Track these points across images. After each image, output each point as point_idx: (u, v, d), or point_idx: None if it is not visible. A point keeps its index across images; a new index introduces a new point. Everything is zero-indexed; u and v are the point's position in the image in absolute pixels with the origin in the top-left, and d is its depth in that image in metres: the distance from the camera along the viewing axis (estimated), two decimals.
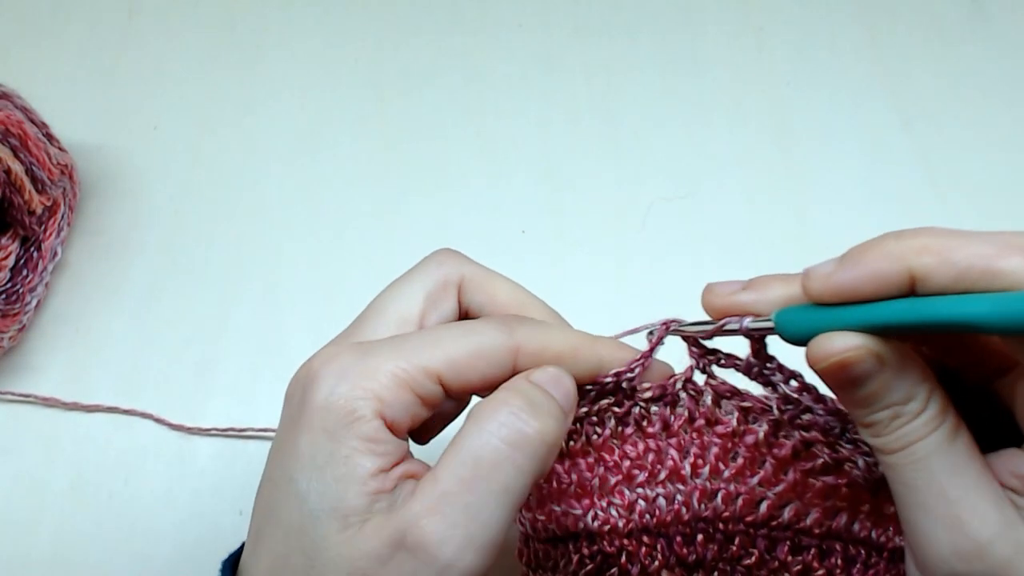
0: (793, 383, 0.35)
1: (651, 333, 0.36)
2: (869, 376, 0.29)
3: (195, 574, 0.53)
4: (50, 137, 0.62)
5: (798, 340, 0.31)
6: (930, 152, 0.69)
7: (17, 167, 0.56)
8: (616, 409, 0.36)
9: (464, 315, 0.37)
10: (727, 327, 0.33)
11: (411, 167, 0.68)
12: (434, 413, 0.32)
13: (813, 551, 0.35)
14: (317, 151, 0.69)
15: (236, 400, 0.58)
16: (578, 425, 0.36)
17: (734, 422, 0.36)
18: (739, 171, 0.68)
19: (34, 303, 0.59)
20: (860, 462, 0.34)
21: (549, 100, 0.71)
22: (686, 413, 0.36)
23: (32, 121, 0.60)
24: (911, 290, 0.28)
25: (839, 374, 0.29)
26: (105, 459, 0.56)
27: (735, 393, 0.36)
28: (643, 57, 0.74)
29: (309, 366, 0.31)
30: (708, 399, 0.36)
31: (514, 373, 0.32)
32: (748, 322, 0.33)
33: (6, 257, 0.57)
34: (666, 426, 0.36)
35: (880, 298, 0.29)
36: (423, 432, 0.35)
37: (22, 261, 0.59)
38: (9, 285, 0.58)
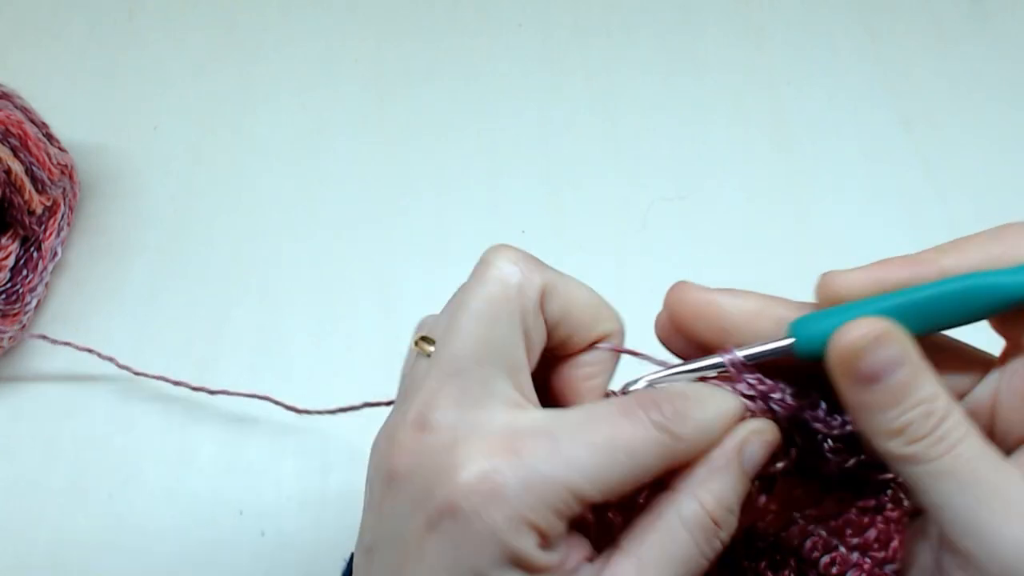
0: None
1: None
2: (895, 364, 0.27)
3: (195, 574, 0.53)
4: (50, 137, 0.62)
5: (815, 352, 0.29)
6: (930, 152, 0.69)
7: (17, 167, 0.56)
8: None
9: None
10: (747, 354, 0.31)
11: (411, 167, 0.68)
12: None
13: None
14: (317, 151, 0.69)
15: (236, 400, 0.58)
16: None
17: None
18: (739, 171, 0.68)
19: (34, 303, 0.59)
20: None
21: (549, 100, 0.71)
22: None
23: (32, 121, 0.60)
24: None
25: (864, 361, 0.27)
26: (105, 459, 0.56)
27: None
28: (643, 57, 0.74)
29: (455, 474, 0.28)
30: None
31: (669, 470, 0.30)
32: (747, 351, 0.31)
33: (6, 257, 0.57)
34: None
35: (909, 285, 0.29)
36: None
37: (22, 261, 0.59)
38: (9, 285, 0.58)
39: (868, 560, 0.33)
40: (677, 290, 0.33)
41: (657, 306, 0.61)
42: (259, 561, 0.53)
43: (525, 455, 0.28)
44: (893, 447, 0.28)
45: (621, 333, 0.35)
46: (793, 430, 0.32)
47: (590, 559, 0.30)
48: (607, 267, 0.64)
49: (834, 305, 0.30)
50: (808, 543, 0.34)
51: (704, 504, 0.30)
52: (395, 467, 0.29)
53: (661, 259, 0.64)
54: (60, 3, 0.76)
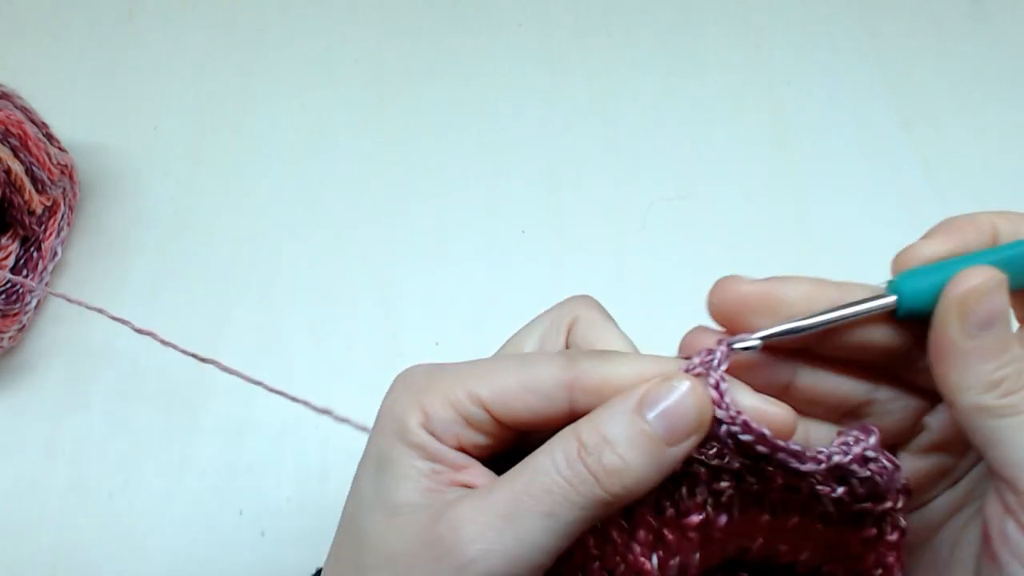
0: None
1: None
2: (1006, 314, 0.28)
3: (195, 574, 0.53)
4: (50, 137, 0.62)
5: (917, 308, 0.30)
6: (930, 152, 0.69)
7: (17, 167, 0.56)
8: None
9: None
10: (793, 326, 0.30)
11: (411, 167, 0.68)
12: (497, 441, 0.31)
13: None
14: (317, 151, 0.69)
15: (236, 400, 0.58)
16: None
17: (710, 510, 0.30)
18: (739, 171, 0.68)
19: (34, 303, 0.59)
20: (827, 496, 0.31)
21: (549, 100, 0.71)
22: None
23: (32, 121, 0.60)
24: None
25: (982, 306, 0.28)
26: (105, 459, 0.56)
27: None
28: (643, 57, 0.74)
29: (391, 385, 0.33)
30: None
31: (573, 410, 0.30)
32: (842, 311, 0.30)
33: (6, 257, 0.57)
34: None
35: (978, 246, 0.30)
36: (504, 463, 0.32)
37: (22, 261, 0.59)
38: (9, 285, 0.58)
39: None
40: (724, 285, 0.33)
41: (657, 306, 0.62)
42: (259, 561, 0.53)
43: (442, 365, 0.32)
44: (986, 399, 0.28)
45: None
46: (768, 466, 0.30)
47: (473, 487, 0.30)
48: (607, 267, 0.64)
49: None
50: (802, 559, 0.33)
51: (576, 430, 0.29)
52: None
53: (661, 259, 0.64)
54: (60, 3, 0.76)
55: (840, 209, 0.66)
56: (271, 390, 0.55)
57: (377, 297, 0.62)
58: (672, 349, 0.35)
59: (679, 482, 0.30)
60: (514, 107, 0.71)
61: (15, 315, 0.57)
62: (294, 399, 0.54)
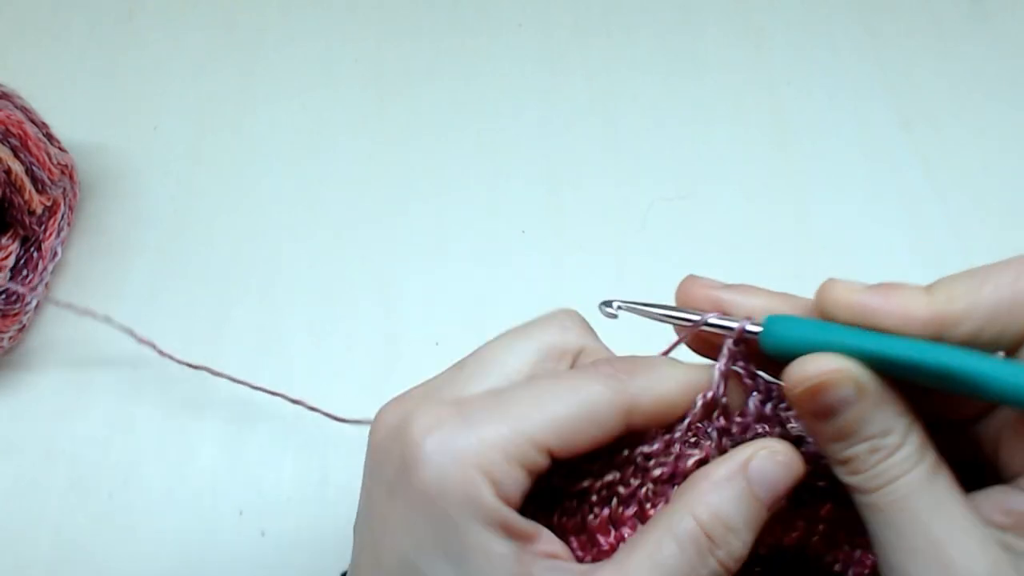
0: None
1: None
2: (847, 404, 0.28)
3: (195, 574, 0.53)
4: (50, 137, 0.62)
5: (779, 351, 0.29)
6: (930, 152, 0.69)
7: (17, 167, 0.56)
8: (621, 489, 0.31)
9: None
10: (711, 322, 0.31)
11: (411, 167, 0.68)
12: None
13: None
14: (317, 151, 0.69)
15: (236, 400, 0.58)
16: (575, 503, 0.31)
17: None
18: (739, 171, 0.68)
19: (34, 304, 0.59)
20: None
21: (549, 100, 0.71)
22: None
23: (32, 121, 0.60)
24: (936, 338, 0.27)
25: (815, 399, 0.28)
26: (105, 459, 0.56)
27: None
28: (643, 57, 0.74)
29: (408, 432, 0.28)
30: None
31: (625, 431, 0.30)
32: (748, 324, 0.30)
33: (6, 257, 0.57)
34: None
35: (899, 334, 0.28)
36: None
37: (22, 261, 0.59)
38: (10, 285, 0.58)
39: (871, 556, 0.33)
40: (685, 285, 0.33)
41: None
42: (259, 561, 0.53)
43: (467, 408, 0.29)
44: (839, 474, 0.29)
45: None
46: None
47: (562, 558, 0.29)
48: (607, 267, 0.64)
49: (819, 316, 0.29)
50: (812, 542, 0.33)
51: (697, 517, 0.28)
52: (372, 442, 0.31)
53: (661, 259, 0.64)
54: (60, 3, 0.76)
55: (840, 209, 0.66)
56: (266, 391, 0.55)
57: (377, 297, 0.62)
58: (679, 351, 0.35)
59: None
60: (514, 107, 0.71)
61: (15, 315, 0.57)
62: (295, 401, 0.55)
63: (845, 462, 0.29)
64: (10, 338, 0.58)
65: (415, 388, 0.32)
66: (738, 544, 0.29)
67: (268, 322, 0.61)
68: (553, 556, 0.29)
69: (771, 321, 0.30)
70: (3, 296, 0.57)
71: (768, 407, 0.31)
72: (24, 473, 0.56)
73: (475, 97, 0.72)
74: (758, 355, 0.31)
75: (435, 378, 0.32)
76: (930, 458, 0.28)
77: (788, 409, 0.32)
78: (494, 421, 0.28)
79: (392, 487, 0.29)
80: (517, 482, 0.28)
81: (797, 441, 0.31)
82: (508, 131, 0.70)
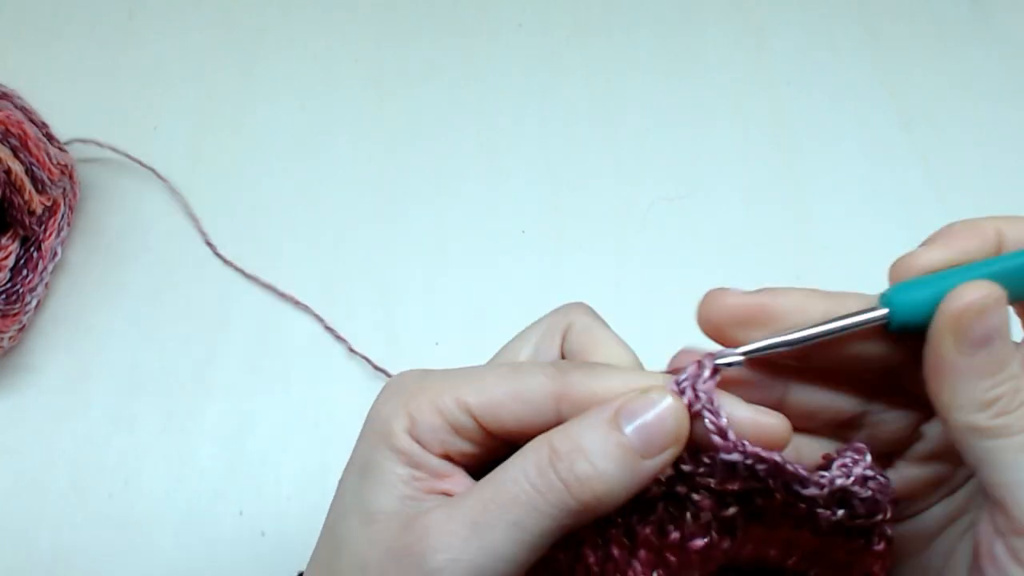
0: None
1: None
2: (1001, 332, 0.28)
3: (195, 574, 0.53)
4: (50, 137, 0.62)
5: (910, 322, 0.29)
6: (930, 152, 0.69)
7: (17, 167, 0.56)
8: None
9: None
10: (785, 339, 0.29)
11: (411, 167, 0.68)
12: (484, 450, 0.31)
13: None
14: (317, 151, 0.69)
15: (236, 400, 0.58)
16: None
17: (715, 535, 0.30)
18: (739, 171, 0.68)
19: (34, 303, 0.59)
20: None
21: (549, 100, 0.71)
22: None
23: (32, 121, 0.60)
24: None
25: (978, 323, 0.27)
26: (105, 459, 0.56)
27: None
28: (643, 57, 0.74)
29: (381, 391, 0.32)
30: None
31: (558, 421, 0.29)
32: (832, 324, 0.29)
33: (6, 257, 0.57)
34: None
35: (979, 255, 0.29)
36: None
37: (22, 261, 0.59)
38: (9, 285, 0.58)
39: None
40: (714, 298, 0.32)
41: (657, 306, 0.61)
42: (259, 561, 0.53)
43: (431, 371, 0.32)
44: (979, 419, 0.28)
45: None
46: (770, 487, 0.30)
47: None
48: (607, 267, 0.64)
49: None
50: (790, 563, 0.33)
51: (551, 441, 0.28)
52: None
53: (661, 259, 0.64)
54: (60, 3, 0.76)
55: (840, 209, 0.66)
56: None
57: (377, 297, 0.62)
58: (672, 350, 0.34)
59: (683, 508, 0.30)
60: (514, 107, 0.71)
61: (15, 315, 0.57)
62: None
63: (991, 403, 0.28)
64: (10, 338, 0.58)
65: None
66: (585, 466, 0.28)
67: (268, 322, 0.61)
68: (449, 492, 0.30)
69: (893, 294, 0.30)
70: (3, 296, 0.57)
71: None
72: (24, 473, 0.56)
73: (475, 97, 0.72)
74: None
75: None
76: None
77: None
78: (439, 380, 0.31)
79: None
80: (434, 428, 0.30)
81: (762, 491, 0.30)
82: (508, 131, 0.70)
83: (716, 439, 0.29)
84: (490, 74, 0.73)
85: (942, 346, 0.28)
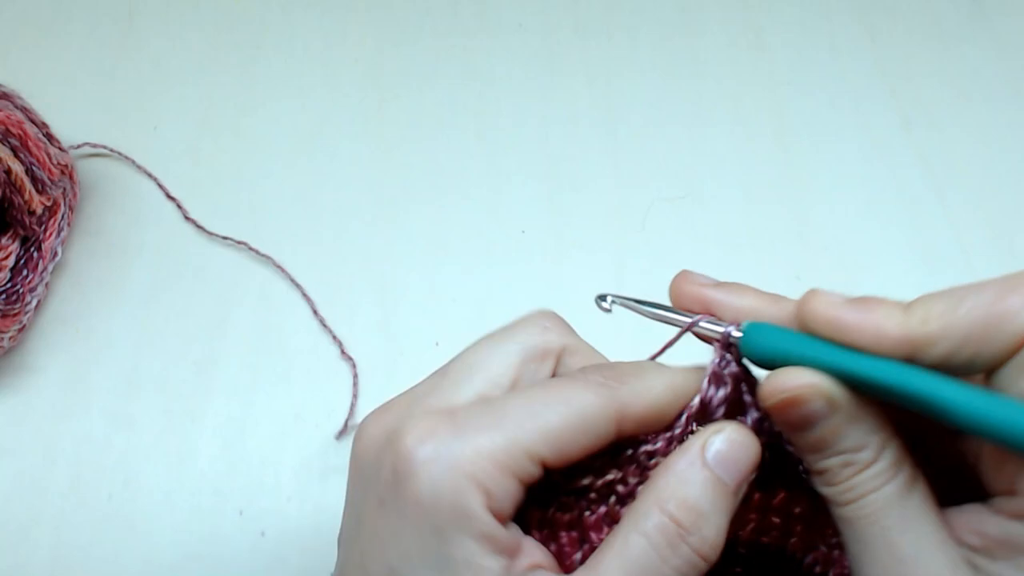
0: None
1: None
2: (819, 418, 0.28)
3: (195, 574, 0.53)
4: (50, 137, 0.62)
5: (758, 359, 0.30)
6: (930, 152, 0.69)
7: (17, 167, 0.56)
8: (620, 488, 0.31)
9: None
10: (701, 325, 0.31)
11: (411, 167, 0.68)
12: None
13: None
14: (317, 151, 0.69)
15: (236, 400, 0.58)
16: (573, 499, 0.31)
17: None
18: (739, 171, 0.68)
19: (34, 303, 0.59)
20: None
21: (549, 100, 0.72)
22: None
23: (32, 121, 0.60)
24: (910, 358, 0.27)
25: (788, 412, 0.28)
26: (105, 459, 0.56)
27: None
28: (643, 57, 0.74)
29: (400, 441, 0.28)
30: None
31: (616, 439, 0.30)
32: (733, 330, 0.30)
33: (6, 257, 0.57)
34: None
35: (872, 352, 0.27)
36: None
37: (22, 261, 0.59)
38: (9, 285, 0.58)
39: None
40: (678, 280, 0.33)
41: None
42: (259, 561, 0.53)
43: (460, 419, 0.28)
44: (815, 483, 0.30)
45: None
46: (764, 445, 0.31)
47: (547, 569, 0.29)
48: (607, 267, 0.64)
49: (800, 327, 0.29)
50: (790, 544, 0.33)
51: (664, 508, 0.28)
52: (357, 452, 0.30)
53: (661, 259, 0.64)
54: (60, 3, 0.76)
55: (840, 209, 0.66)
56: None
57: (377, 297, 0.62)
58: (672, 349, 0.35)
59: None
60: (514, 107, 0.71)
61: (15, 315, 0.57)
62: None
63: (820, 473, 0.29)
64: (10, 338, 0.58)
65: (398, 398, 0.31)
66: (710, 529, 0.28)
67: (268, 322, 0.61)
68: (536, 567, 0.29)
69: (750, 329, 0.30)
70: (3, 296, 0.57)
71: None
72: (24, 473, 0.56)
73: (475, 97, 0.72)
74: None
75: (418, 386, 0.32)
76: (904, 474, 0.28)
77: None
78: (488, 431, 0.28)
79: (383, 498, 0.28)
80: (509, 493, 0.28)
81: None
82: (508, 131, 0.70)
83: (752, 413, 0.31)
84: (490, 74, 0.73)
85: (773, 417, 0.29)
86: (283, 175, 0.68)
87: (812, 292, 0.29)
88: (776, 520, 0.33)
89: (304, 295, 0.62)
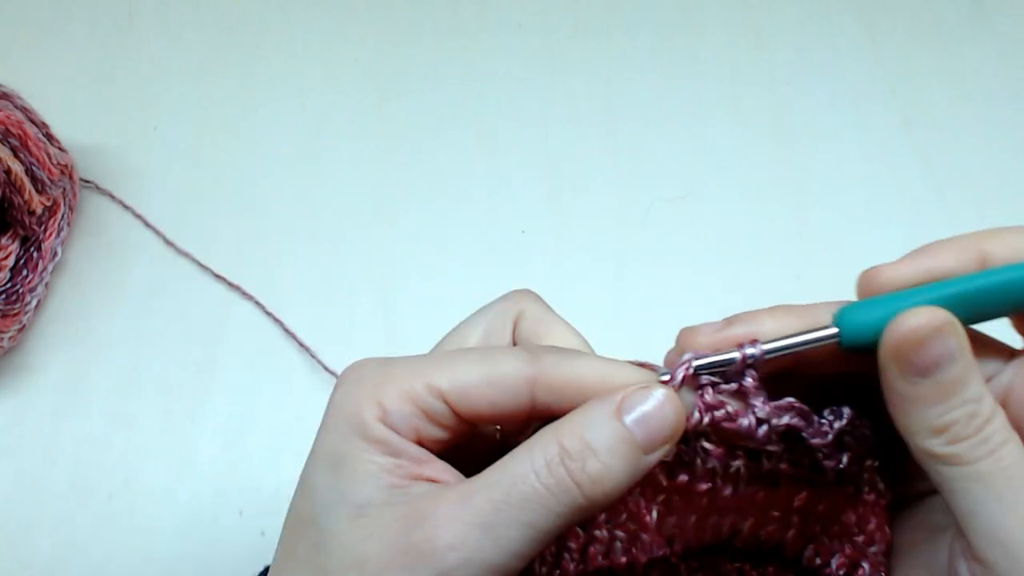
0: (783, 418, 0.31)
1: (665, 374, 0.31)
2: (953, 356, 0.27)
3: (195, 574, 0.53)
4: (50, 137, 0.62)
5: (863, 339, 0.29)
6: (930, 152, 0.69)
7: (17, 167, 0.56)
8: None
9: None
10: (747, 354, 0.30)
11: (411, 167, 0.68)
12: (454, 435, 0.31)
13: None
14: (317, 151, 0.69)
15: (236, 400, 0.58)
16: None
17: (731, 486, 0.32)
18: (739, 171, 0.68)
19: (34, 303, 0.59)
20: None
21: (549, 100, 0.72)
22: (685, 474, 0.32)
23: (32, 121, 0.60)
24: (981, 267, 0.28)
25: (921, 352, 0.27)
26: (105, 459, 0.56)
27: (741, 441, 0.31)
28: (643, 57, 0.74)
29: (343, 372, 0.32)
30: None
31: (534, 406, 0.30)
32: (763, 347, 0.30)
33: (6, 257, 0.57)
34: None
35: (955, 273, 0.28)
36: (465, 460, 0.32)
37: (22, 261, 0.59)
38: (9, 285, 0.58)
39: (849, 546, 0.33)
40: (686, 340, 0.32)
41: (657, 306, 0.61)
42: (259, 561, 0.53)
43: (396, 359, 0.31)
44: (933, 445, 0.28)
45: None
46: (772, 438, 0.31)
47: (436, 483, 0.30)
48: (607, 267, 0.64)
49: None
50: (789, 537, 0.33)
51: (558, 435, 0.28)
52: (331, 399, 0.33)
53: (661, 259, 0.64)
54: (60, 3, 0.76)
55: (840, 209, 0.66)
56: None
57: (377, 297, 0.62)
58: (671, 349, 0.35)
59: (694, 454, 0.31)
60: (514, 107, 0.71)
61: (15, 315, 0.57)
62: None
63: (943, 429, 0.27)
64: (10, 338, 0.58)
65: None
66: (597, 465, 0.28)
67: (268, 323, 0.61)
68: (435, 479, 0.30)
69: (844, 314, 0.30)
70: (3, 296, 0.57)
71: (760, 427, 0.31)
72: (24, 473, 0.56)
73: (475, 97, 0.72)
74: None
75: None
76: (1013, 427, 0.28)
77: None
78: (405, 367, 0.31)
79: (323, 417, 0.32)
80: (406, 416, 0.30)
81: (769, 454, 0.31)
82: (508, 131, 0.70)
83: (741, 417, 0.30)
84: (490, 74, 0.73)
85: (888, 375, 0.28)
86: (283, 174, 0.68)
87: (872, 268, 0.31)
88: (776, 514, 0.33)
89: (304, 295, 0.62)
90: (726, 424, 0.30)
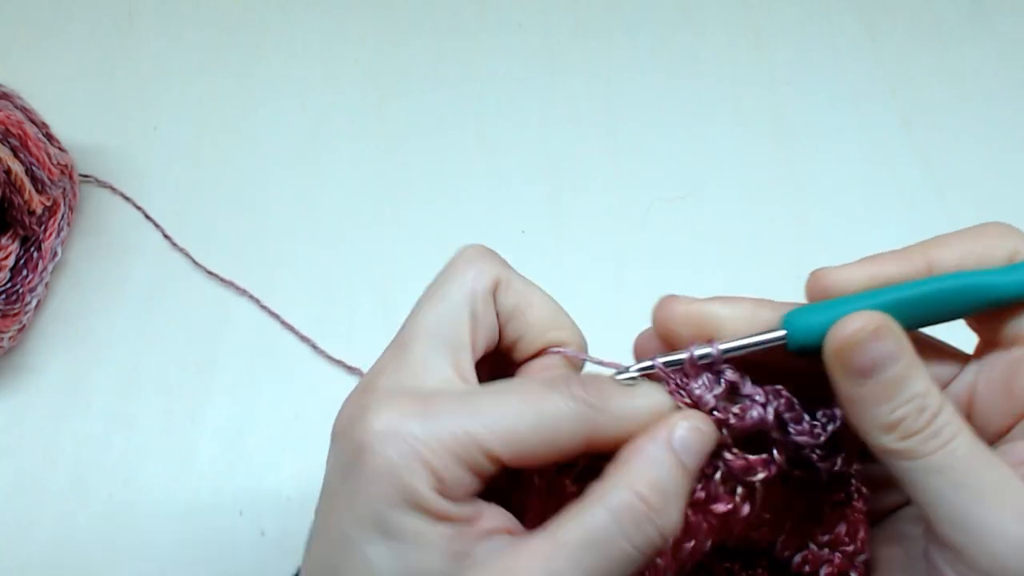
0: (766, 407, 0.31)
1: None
2: (893, 356, 0.28)
3: (195, 574, 0.53)
4: (50, 137, 0.62)
5: (807, 344, 0.30)
6: (930, 152, 0.69)
7: (17, 167, 0.56)
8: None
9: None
10: (697, 354, 0.30)
11: (411, 167, 0.68)
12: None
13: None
14: (317, 151, 0.69)
15: (236, 400, 0.58)
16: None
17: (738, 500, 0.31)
18: (739, 171, 0.68)
19: (34, 303, 0.59)
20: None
21: (549, 100, 0.72)
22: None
23: (32, 121, 0.60)
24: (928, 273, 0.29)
25: (860, 354, 0.28)
26: (105, 459, 0.56)
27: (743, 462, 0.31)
28: (643, 57, 0.74)
29: (367, 419, 0.30)
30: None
31: (586, 449, 0.30)
32: (735, 342, 0.30)
33: (6, 257, 0.57)
34: None
35: (900, 279, 0.29)
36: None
37: (22, 261, 0.59)
38: (9, 285, 0.58)
39: (838, 555, 0.33)
40: (666, 304, 0.32)
41: None
42: (259, 561, 0.53)
43: (432, 405, 0.29)
44: (887, 442, 0.28)
45: (579, 345, 0.34)
46: (772, 441, 0.31)
47: (511, 533, 0.30)
48: (607, 267, 0.64)
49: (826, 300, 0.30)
50: (779, 543, 0.34)
51: (635, 488, 0.28)
52: (335, 429, 0.32)
53: (661, 259, 0.64)
54: (60, 3, 0.76)
55: (840, 209, 0.66)
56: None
57: (377, 297, 0.62)
58: None
59: (716, 468, 0.31)
60: (514, 107, 0.71)
61: (15, 315, 0.57)
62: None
63: (894, 426, 0.28)
64: (10, 338, 0.58)
65: (372, 377, 0.32)
66: (674, 512, 0.29)
67: (268, 323, 0.61)
68: (493, 531, 0.29)
69: (791, 317, 0.30)
70: (3, 296, 0.57)
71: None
72: (24, 473, 0.56)
73: (475, 97, 0.72)
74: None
75: (386, 361, 0.32)
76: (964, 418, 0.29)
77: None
78: (451, 418, 0.29)
79: (346, 469, 0.30)
80: (460, 480, 0.29)
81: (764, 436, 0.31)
82: (508, 131, 0.70)
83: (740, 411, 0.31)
84: (490, 74, 0.73)
85: (835, 377, 0.29)
86: (283, 174, 0.68)
87: (819, 269, 0.32)
88: (767, 516, 0.33)
89: (304, 295, 0.62)
90: (738, 424, 0.30)
